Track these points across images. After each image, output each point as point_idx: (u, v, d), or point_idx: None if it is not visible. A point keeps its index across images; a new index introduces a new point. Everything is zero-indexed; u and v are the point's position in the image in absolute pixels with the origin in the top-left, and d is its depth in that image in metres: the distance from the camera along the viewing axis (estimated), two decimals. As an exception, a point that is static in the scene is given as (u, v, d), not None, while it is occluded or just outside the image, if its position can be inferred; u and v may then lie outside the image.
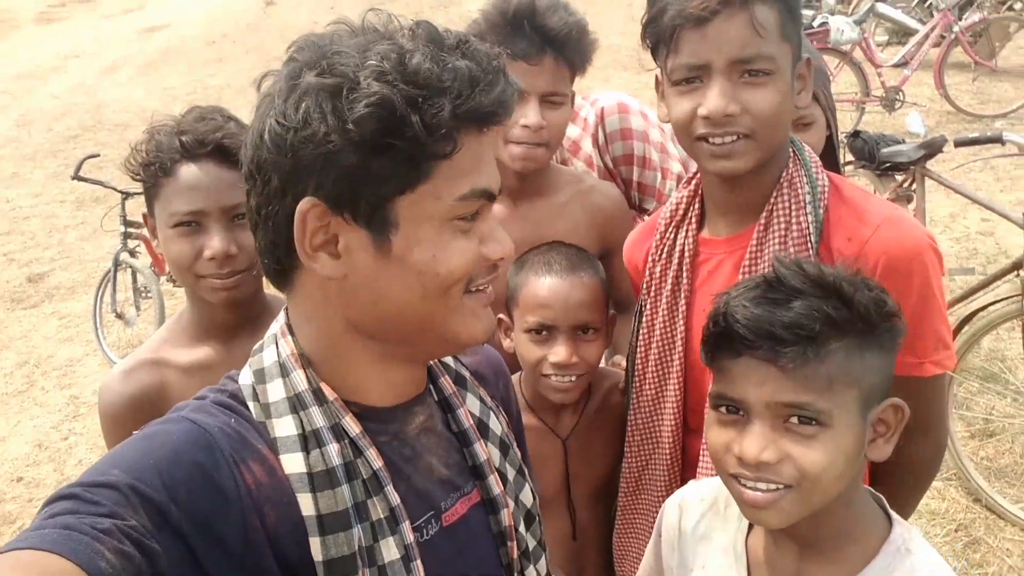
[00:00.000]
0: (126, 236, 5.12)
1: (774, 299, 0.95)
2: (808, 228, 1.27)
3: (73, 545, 0.63)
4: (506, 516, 0.97)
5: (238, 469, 0.79)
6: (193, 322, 1.48)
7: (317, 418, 0.83)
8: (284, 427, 0.83)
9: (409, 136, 0.76)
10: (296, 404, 0.84)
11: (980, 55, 7.58)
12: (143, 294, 5.21)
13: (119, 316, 5.16)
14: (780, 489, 0.94)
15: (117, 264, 5.11)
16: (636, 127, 2.10)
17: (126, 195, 5.12)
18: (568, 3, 1.71)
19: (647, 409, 1.46)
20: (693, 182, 1.42)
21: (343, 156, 0.76)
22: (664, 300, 1.41)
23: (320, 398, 0.85)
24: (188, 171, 1.35)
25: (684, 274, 1.38)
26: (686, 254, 1.38)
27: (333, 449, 0.82)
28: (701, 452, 1.36)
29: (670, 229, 1.42)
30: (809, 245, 1.25)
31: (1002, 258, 4.44)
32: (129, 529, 0.67)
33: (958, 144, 3.29)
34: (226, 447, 0.79)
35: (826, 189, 1.30)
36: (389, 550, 0.83)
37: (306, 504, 0.80)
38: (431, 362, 0.98)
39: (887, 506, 1.07)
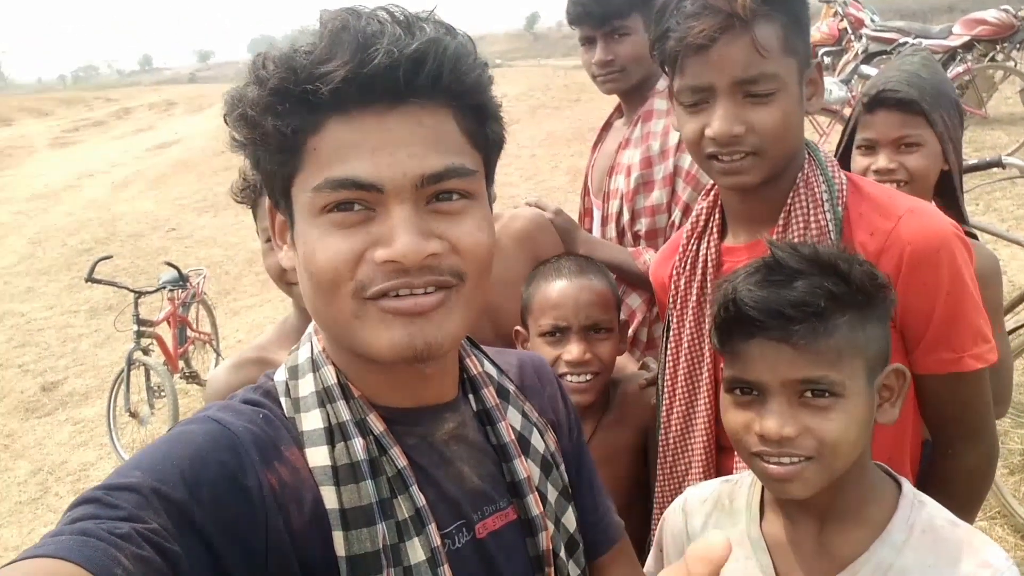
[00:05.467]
0: (139, 335, 5.13)
1: (777, 281, 0.99)
2: (828, 226, 1.25)
3: (89, 552, 0.61)
4: (544, 539, 0.92)
5: (263, 469, 0.77)
6: (297, 328, 1.53)
7: (343, 412, 0.82)
8: (311, 421, 0.82)
9: (269, 127, 0.76)
10: (324, 398, 0.83)
11: (970, 105, 7.74)
12: (157, 393, 5.19)
13: (133, 415, 5.10)
14: (802, 461, 0.98)
15: (131, 363, 5.09)
16: None
17: (139, 294, 5.20)
18: None
19: (678, 428, 1.42)
20: (712, 193, 1.42)
21: (252, 154, 0.81)
22: (690, 312, 1.38)
23: (347, 393, 0.84)
24: None
25: (708, 284, 1.35)
26: (709, 264, 1.36)
27: (358, 444, 0.80)
28: (735, 471, 1.30)
29: (692, 241, 1.41)
30: (830, 243, 1.23)
31: (1016, 293, 4.39)
32: (149, 533, 0.65)
33: (960, 173, 3.32)
34: (251, 447, 0.77)
35: (844, 187, 1.29)
36: (415, 551, 0.79)
37: (329, 497, 0.78)
38: (475, 372, 0.95)
39: (888, 468, 1.10)
